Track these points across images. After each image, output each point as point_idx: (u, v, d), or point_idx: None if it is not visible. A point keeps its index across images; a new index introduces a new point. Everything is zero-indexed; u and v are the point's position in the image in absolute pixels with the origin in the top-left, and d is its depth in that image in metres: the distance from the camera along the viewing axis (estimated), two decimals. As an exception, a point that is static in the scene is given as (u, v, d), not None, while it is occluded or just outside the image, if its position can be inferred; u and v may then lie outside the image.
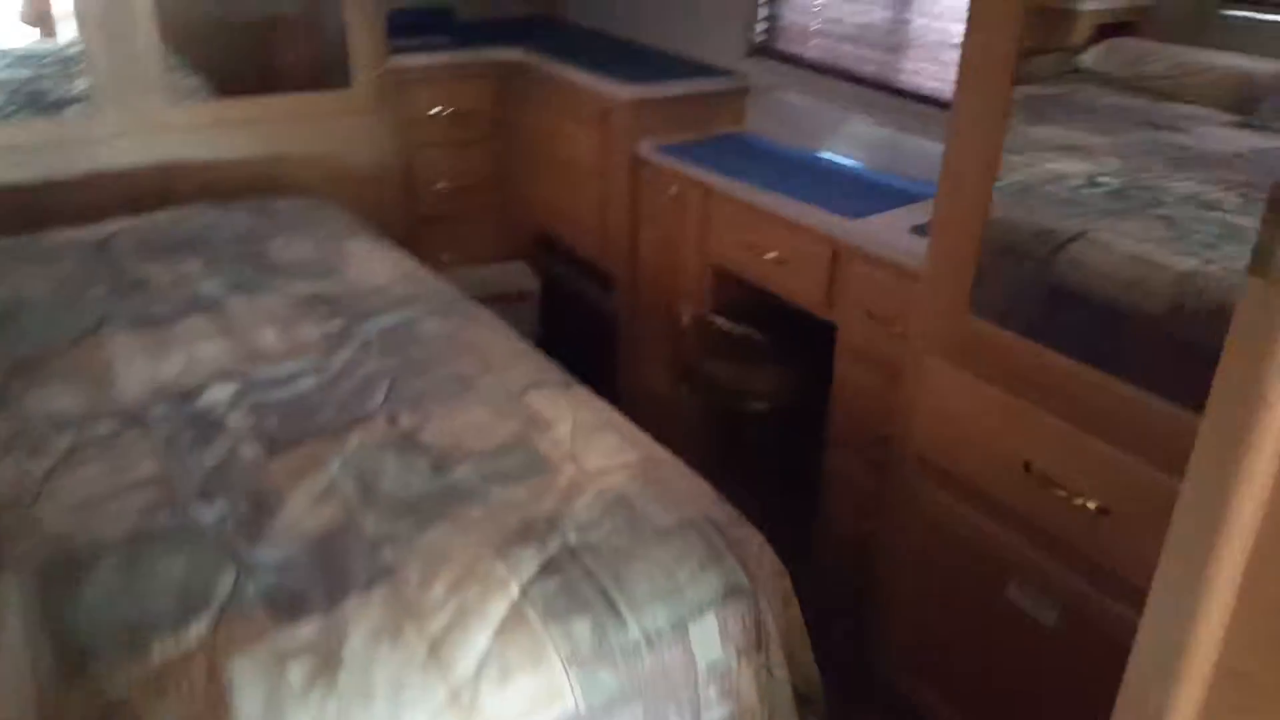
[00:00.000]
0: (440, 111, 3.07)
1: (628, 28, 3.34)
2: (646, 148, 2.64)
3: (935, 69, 2.24)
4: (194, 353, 1.91)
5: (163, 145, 2.62)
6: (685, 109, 2.74)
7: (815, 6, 2.57)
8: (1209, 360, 0.83)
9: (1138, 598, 0.82)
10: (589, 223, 2.95)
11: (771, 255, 2.24)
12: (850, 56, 2.49)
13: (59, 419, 1.68)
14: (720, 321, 2.41)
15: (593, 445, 1.68)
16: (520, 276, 3.28)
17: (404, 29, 3.02)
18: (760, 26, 2.77)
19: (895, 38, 2.34)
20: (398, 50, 2.95)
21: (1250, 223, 1.99)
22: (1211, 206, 2.09)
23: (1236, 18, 3.13)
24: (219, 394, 1.78)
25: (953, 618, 1.85)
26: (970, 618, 1.81)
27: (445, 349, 1.96)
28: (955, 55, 2.16)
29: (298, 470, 1.58)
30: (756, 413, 2.37)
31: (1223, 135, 2.69)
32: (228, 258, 2.31)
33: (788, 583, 1.57)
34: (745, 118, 2.86)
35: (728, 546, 1.50)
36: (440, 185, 3.15)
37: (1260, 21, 3.05)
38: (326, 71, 2.95)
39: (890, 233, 2.00)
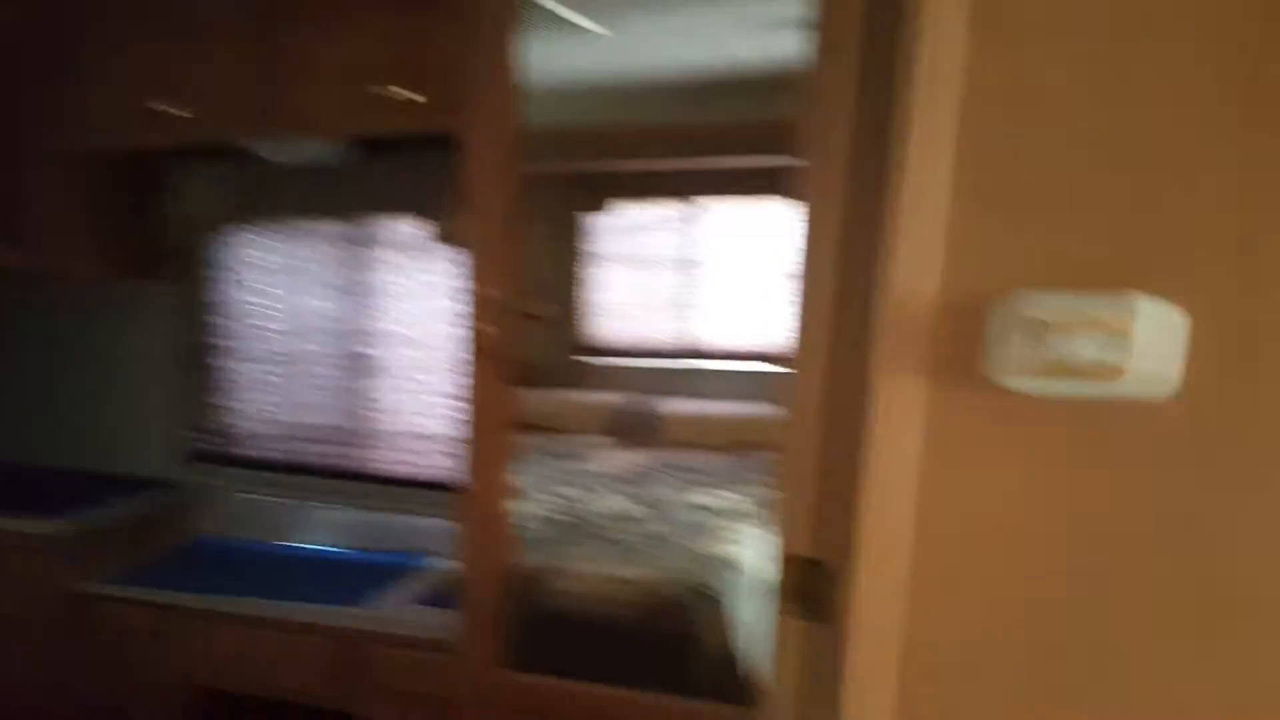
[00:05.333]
0: None
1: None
2: (93, 584, 2.39)
3: (399, 455, 2.50)
4: None
5: None
6: (128, 531, 2.57)
7: (265, 410, 2.68)
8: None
9: None
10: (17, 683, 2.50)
11: (275, 661, 2.18)
12: (312, 452, 2.63)
13: None
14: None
15: None
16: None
17: None
18: (198, 434, 2.77)
19: (351, 435, 2.56)
20: None
21: (665, 529, 2.56)
22: (635, 521, 2.60)
23: (584, 363, 4.08)
24: None
25: None
26: None
27: None
28: (420, 444, 2.47)
29: None
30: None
31: (611, 456, 3.40)
32: None
33: None
34: (199, 523, 2.77)
35: None
36: None
37: (601, 366, 4.04)
38: None
39: (401, 610, 2.12)
